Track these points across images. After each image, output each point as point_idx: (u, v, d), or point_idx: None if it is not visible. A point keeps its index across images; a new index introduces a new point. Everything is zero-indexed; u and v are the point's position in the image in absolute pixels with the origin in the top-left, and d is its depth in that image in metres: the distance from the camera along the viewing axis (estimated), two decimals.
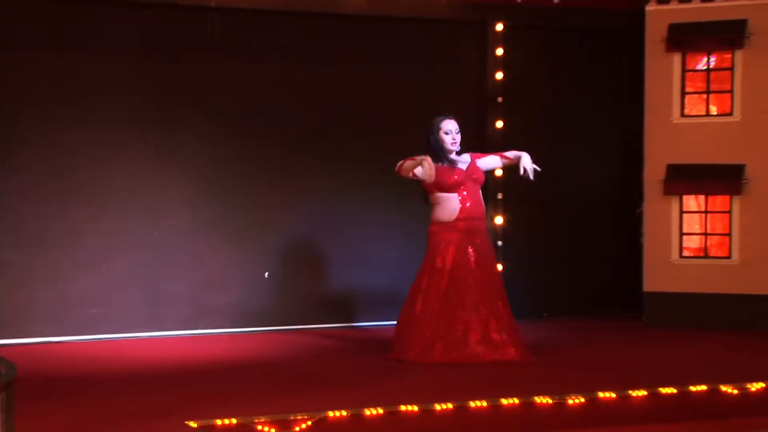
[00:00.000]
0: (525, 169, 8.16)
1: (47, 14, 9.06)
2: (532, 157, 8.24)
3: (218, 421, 5.76)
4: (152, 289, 9.37)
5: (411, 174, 8.07)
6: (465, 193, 8.10)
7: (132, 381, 7.26)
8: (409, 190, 10.05)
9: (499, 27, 10.37)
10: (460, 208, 8.08)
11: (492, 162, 8.36)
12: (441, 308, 8.00)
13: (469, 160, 8.23)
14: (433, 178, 8.01)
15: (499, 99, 10.39)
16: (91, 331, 9.13)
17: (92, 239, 9.19)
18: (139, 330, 9.27)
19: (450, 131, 8.12)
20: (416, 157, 8.00)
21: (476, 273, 8.07)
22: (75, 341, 9.00)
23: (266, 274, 9.71)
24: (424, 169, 7.98)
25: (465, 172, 8.13)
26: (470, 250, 8.09)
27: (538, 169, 8.22)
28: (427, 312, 8.02)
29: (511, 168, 10.35)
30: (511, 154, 8.35)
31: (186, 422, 5.74)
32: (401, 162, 8.12)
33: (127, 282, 9.30)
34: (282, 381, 7.28)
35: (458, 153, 8.21)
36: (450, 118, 8.18)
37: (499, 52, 10.38)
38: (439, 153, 8.11)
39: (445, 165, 8.08)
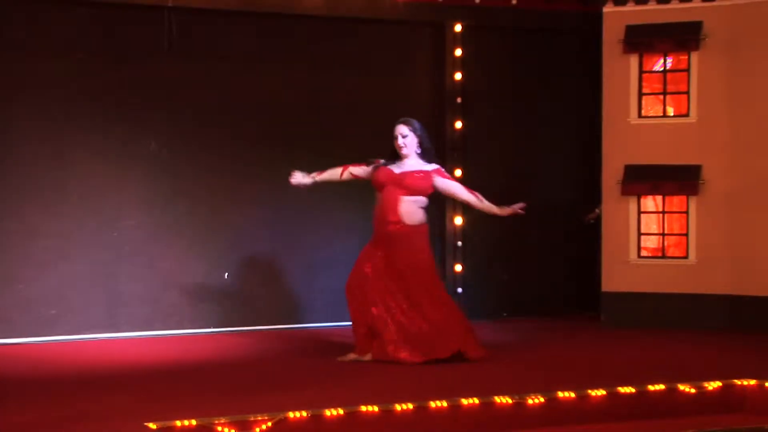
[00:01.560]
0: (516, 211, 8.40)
1: (1, 13, 8.97)
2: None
3: (177, 423, 5.72)
4: (110, 289, 9.30)
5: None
6: (385, 195, 8.10)
7: (90, 382, 7.20)
8: (366, 189, 10.09)
9: (458, 28, 10.39)
10: (377, 210, 8.15)
11: (454, 189, 8.29)
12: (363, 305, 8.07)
13: (425, 169, 8.15)
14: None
15: (458, 99, 10.42)
16: (48, 332, 9.05)
17: (48, 240, 9.11)
18: (96, 331, 9.20)
19: (397, 136, 8.11)
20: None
21: (386, 277, 8.06)
22: (32, 342, 8.91)
23: (226, 274, 9.67)
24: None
25: (395, 175, 8.09)
26: (379, 254, 8.11)
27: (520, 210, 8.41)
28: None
29: (471, 169, 10.45)
30: (485, 204, 8.34)
31: (145, 424, 5.70)
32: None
33: (84, 283, 9.23)
34: (241, 381, 7.24)
35: (426, 159, 8.18)
36: (399, 123, 8.15)
37: (458, 52, 10.41)
38: (392, 154, 8.17)
39: (386, 166, 8.13)
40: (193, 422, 5.73)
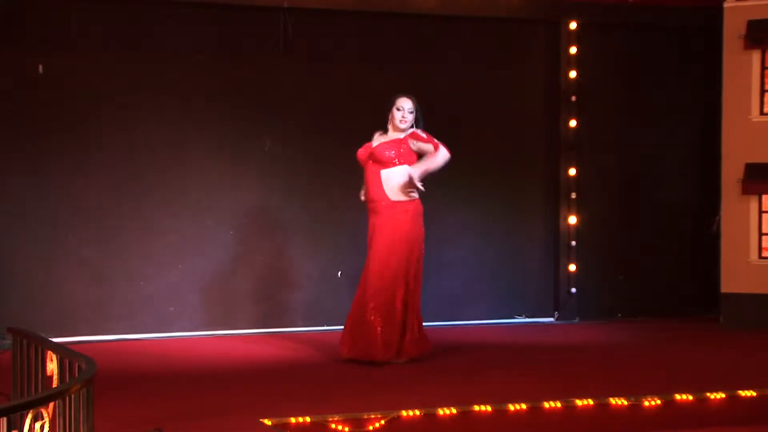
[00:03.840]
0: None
1: (123, 16, 9.20)
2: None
3: (292, 419, 5.80)
4: (226, 287, 9.46)
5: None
6: (367, 172, 7.89)
7: (206, 378, 7.34)
8: (481, 187, 10.06)
9: (573, 25, 10.28)
10: (364, 189, 7.93)
11: (425, 148, 7.85)
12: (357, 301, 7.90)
13: (399, 137, 7.85)
14: None
15: (573, 98, 10.30)
16: (167, 329, 9.24)
17: (168, 238, 9.31)
18: (213, 328, 9.36)
19: (402, 108, 7.87)
20: None
21: (371, 262, 7.88)
22: (151, 338, 9.11)
23: (339, 273, 9.74)
24: None
25: (369, 150, 7.88)
26: (371, 235, 7.94)
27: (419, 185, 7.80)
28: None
29: (585, 168, 10.32)
30: (429, 158, 7.84)
31: (260, 420, 5.78)
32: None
33: (201, 280, 9.40)
34: (355, 379, 7.29)
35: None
36: (403, 96, 7.92)
37: (573, 50, 10.29)
38: (386, 125, 7.92)
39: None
40: (308, 419, 5.80)
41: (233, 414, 6.04)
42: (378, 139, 7.97)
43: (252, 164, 9.57)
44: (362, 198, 8.00)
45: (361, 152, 7.96)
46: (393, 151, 7.80)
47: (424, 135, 7.88)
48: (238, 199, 9.54)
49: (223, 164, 9.49)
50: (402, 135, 7.87)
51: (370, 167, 7.87)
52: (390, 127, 7.93)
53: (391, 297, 7.73)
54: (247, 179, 9.56)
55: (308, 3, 9.56)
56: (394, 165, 7.78)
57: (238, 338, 9.22)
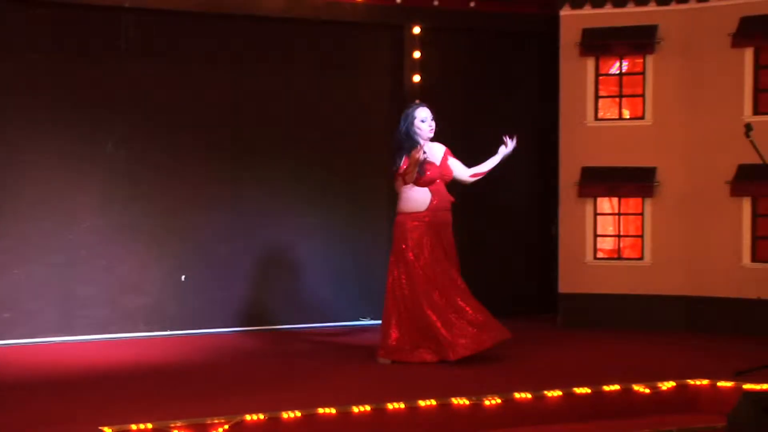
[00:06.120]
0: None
1: None
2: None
3: (133, 426, 5.71)
4: (65, 292, 9.23)
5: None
6: (434, 188, 8.06)
7: (44, 386, 7.15)
8: (326, 191, 10.11)
9: (416, 30, 10.41)
10: (431, 198, 8.02)
11: (459, 171, 8.26)
12: (411, 304, 7.93)
13: (442, 154, 8.17)
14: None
15: (417, 102, 10.41)
16: (1, 336, 8.95)
17: (2, 242, 9.01)
18: (51, 334, 9.12)
19: (426, 118, 8.07)
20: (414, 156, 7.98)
21: (444, 265, 8.02)
22: None
23: (183, 277, 9.63)
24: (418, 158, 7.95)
25: (438, 168, 8.08)
26: (438, 241, 8.03)
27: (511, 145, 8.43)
28: (399, 307, 7.97)
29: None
30: (485, 167, 8.39)
31: (100, 428, 5.67)
32: (405, 168, 8.02)
33: (38, 285, 9.14)
34: (198, 384, 7.22)
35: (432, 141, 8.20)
36: (423, 106, 8.14)
37: (417, 55, 10.43)
38: (410, 144, 8.01)
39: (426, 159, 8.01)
40: (149, 426, 5.72)
41: (71, 423, 5.91)
42: (427, 153, 8.06)
43: (93, 167, 9.35)
44: (412, 209, 8.01)
45: (432, 173, 8.00)
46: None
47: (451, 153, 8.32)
48: (78, 202, 9.31)
49: (63, 166, 9.24)
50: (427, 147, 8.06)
51: (438, 183, 8.06)
52: (418, 139, 8.04)
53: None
54: (87, 182, 9.34)
55: (151, 3, 9.41)
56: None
57: (78, 345, 9.01)
